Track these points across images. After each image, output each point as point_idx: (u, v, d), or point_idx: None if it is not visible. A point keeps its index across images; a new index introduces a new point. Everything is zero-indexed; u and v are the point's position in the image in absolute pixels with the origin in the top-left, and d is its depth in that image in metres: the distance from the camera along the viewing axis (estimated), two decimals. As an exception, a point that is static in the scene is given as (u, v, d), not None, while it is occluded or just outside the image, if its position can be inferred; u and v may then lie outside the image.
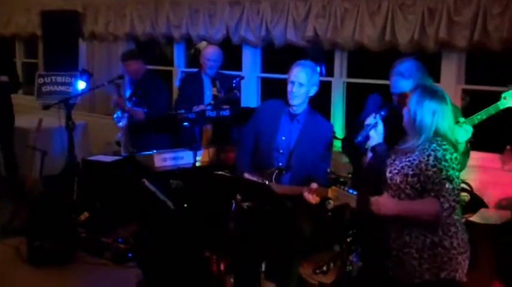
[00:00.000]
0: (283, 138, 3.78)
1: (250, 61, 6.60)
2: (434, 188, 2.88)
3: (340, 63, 5.97)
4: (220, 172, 3.42)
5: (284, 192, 3.47)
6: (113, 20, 7.52)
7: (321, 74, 6.87)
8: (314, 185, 3.46)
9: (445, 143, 2.93)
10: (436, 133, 2.97)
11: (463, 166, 3.50)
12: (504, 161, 5.05)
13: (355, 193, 3.12)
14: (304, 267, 4.61)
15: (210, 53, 5.54)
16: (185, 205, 4.39)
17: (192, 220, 4.28)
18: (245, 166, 3.83)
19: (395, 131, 3.17)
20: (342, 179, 4.93)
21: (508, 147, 5.03)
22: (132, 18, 7.25)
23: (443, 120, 2.97)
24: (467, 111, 5.35)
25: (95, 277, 4.72)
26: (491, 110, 3.23)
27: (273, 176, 3.61)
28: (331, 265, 4.45)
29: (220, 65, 5.58)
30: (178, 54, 7.34)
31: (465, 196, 4.63)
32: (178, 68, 7.32)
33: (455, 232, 3.01)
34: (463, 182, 4.86)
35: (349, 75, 6.02)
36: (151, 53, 7.67)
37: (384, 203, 2.97)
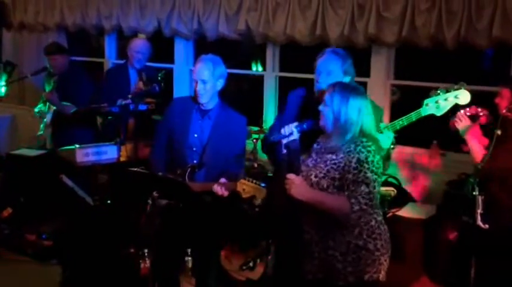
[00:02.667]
0: (196, 135, 3.69)
1: (183, 54, 6.50)
2: (350, 188, 2.85)
3: (272, 57, 5.93)
4: (135, 169, 3.30)
5: (196, 189, 3.39)
6: (42, 10, 7.27)
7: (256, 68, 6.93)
8: (223, 180, 3.44)
9: (370, 143, 2.89)
10: (362, 132, 2.92)
11: (384, 170, 3.50)
12: (431, 155, 5.10)
13: (263, 185, 3.08)
14: (231, 263, 4.58)
15: (138, 45, 5.42)
16: (108, 201, 4.26)
17: (115, 216, 4.16)
18: (159, 164, 3.73)
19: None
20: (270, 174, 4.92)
21: (435, 142, 5.09)
22: (62, 8, 7.04)
23: (368, 116, 2.93)
24: (397, 106, 5.45)
25: (16, 275, 4.56)
26: (412, 116, 3.22)
27: (186, 174, 3.52)
28: (258, 260, 4.43)
29: (148, 58, 5.46)
30: (109, 45, 7.17)
31: (391, 191, 4.66)
32: (110, 60, 7.14)
33: (379, 233, 2.97)
34: (391, 176, 4.92)
35: (282, 69, 5.98)
36: (82, 44, 7.47)
37: (299, 184, 2.89)
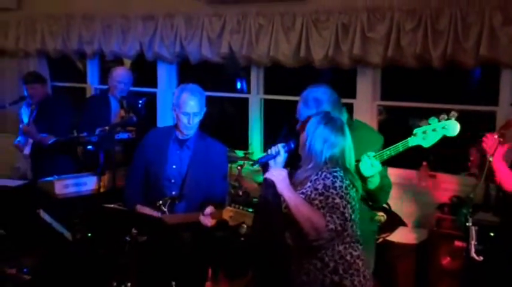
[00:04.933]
0: (174, 167, 3.58)
1: (166, 78, 6.39)
2: (325, 209, 2.75)
3: (256, 79, 5.83)
4: (111, 205, 3.17)
5: (179, 221, 3.28)
6: (23, 35, 7.13)
7: (241, 90, 6.83)
8: (209, 209, 3.36)
9: (336, 169, 2.79)
10: (329, 161, 2.82)
11: (383, 199, 3.40)
12: (421, 177, 5.00)
13: (250, 210, 2.97)
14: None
15: (120, 75, 5.30)
16: (89, 234, 4.11)
17: (95, 250, 4.01)
18: (135, 198, 3.61)
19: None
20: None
21: (424, 163, 4.99)
22: (43, 33, 6.89)
23: (334, 148, 2.83)
24: (384, 125, 5.36)
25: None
26: (399, 147, 3.11)
27: (166, 206, 3.40)
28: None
29: (130, 87, 5.35)
30: (91, 70, 7.03)
31: (381, 216, 4.54)
32: (92, 85, 7.01)
33: (357, 269, 2.84)
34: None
35: (266, 92, 5.88)
36: (64, 70, 7.35)
37: (283, 178, 2.80)
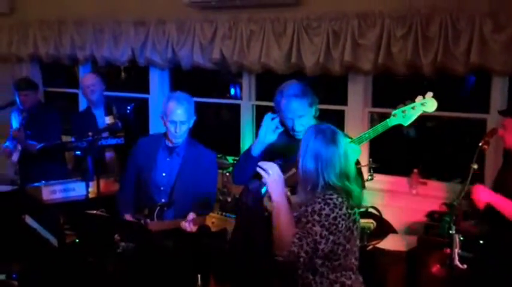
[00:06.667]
0: (164, 174, 3.58)
1: (158, 83, 6.37)
2: (299, 231, 2.63)
3: (248, 86, 5.82)
4: (93, 211, 3.15)
5: (165, 227, 3.27)
6: (15, 40, 7.12)
7: (235, 96, 6.82)
8: (190, 216, 3.34)
9: (333, 197, 2.61)
10: (328, 183, 2.65)
11: (358, 189, 3.36)
12: (411, 184, 4.98)
13: (233, 216, 2.95)
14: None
15: (86, 79, 5.51)
16: (77, 240, 4.08)
17: (81, 256, 3.98)
18: (126, 204, 3.59)
19: None
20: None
21: (415, 170, 4.98)
22: (36, 38, 6.88)
23: (329, 164, 2.64)
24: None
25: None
26: (379, 128, 3.13)
27: (155, 213, 3.39)
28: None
29: (102, 89, 5.47)
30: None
31: (371, 223, 4.52)
32: (84, 91, 6.98)
33: None
34: (371, 207, 4.79)
35: (258, 98, 5.86)
36: (57, 75, 7.33)
37: (275, 180, 2.72)
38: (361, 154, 3.33)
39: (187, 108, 3.59)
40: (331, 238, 2.60)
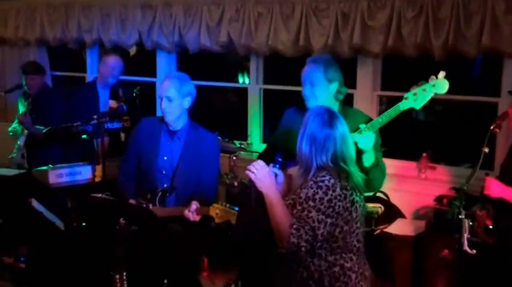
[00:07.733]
0: (165, 158, 3.53)
1: (165, 67, 6.32)
2: (296, 220, 2.60)
3: (256, 69, 5.76)
4: (99, 195, 3.13)
5: (167, 214, 3.23)
6: (22, 24, 7.09)
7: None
8: (194, 205, 3.30)
9: (325, 177, 2.60)
10: (319, 166, 2.66)
11: (378, 182, 3.33)
12: (420, 169, 4.93)
13: (237, 209, 2.91)
14: (213, 284, 4.40)
15: (114, 61, 5.33)
16: (83, 224, 4.06)
17: (88, 240, 3.97)
18: (128, 188, 3.56)
19: None
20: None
21: (424, 154, 4.92)
22: (43, 22, 6.85)
23: (324, 147, 2.65)
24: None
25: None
26: (391, 112, 3.08)
27: (157, 199, 3.35)
28: (239, 282, 4.25)
29: (120, 75, 5.39)
30: (91, 59, 6.99)
31: (378, 207, 4.47)
32: (92, 74, 6.95)
33: (345, 282, 2.67)
34: (379, 191, 4.74)
35: (266, 82, 5.81)
36: (64, 59, 7.30)
37: (262, 175, 2.68)
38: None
39: (176, 85, 3.52)
40: (329, 221, 2.58)
